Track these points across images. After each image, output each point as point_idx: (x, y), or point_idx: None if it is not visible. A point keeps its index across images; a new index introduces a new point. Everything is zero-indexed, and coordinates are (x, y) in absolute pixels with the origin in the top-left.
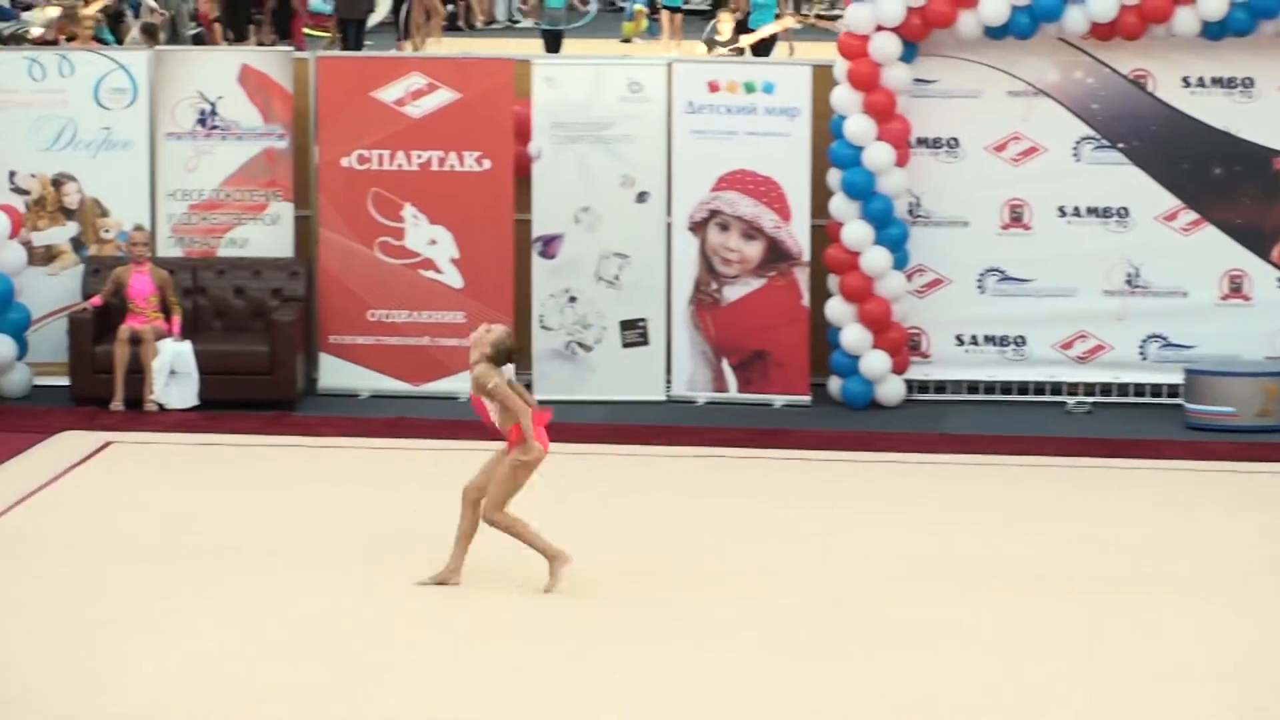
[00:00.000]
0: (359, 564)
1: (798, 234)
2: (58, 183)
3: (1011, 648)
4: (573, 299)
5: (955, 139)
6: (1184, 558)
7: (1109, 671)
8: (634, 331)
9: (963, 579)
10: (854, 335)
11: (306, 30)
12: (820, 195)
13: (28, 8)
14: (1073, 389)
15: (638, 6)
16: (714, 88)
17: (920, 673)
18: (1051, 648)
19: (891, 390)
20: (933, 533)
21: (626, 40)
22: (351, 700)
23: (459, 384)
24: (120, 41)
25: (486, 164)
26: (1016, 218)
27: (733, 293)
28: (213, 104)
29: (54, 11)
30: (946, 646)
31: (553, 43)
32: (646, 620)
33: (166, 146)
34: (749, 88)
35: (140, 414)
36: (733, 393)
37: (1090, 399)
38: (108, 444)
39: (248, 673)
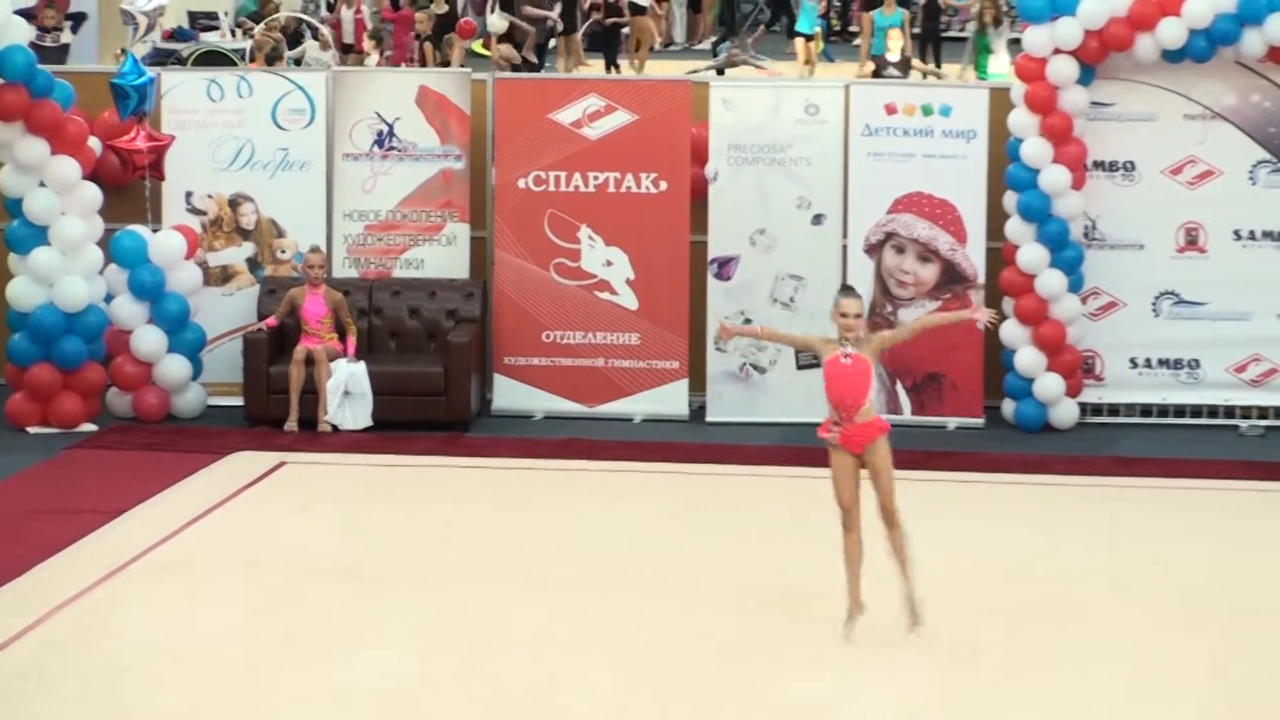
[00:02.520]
0: (532, 585)
1: (973, 256)
2: (234, 203)
3: (1179, 681)
4: (748, 321)
5: (1131, 162)
6: None
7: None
8: (809, 354)
9: (1136, 603)
10: (1028, 358)
11: (480, 50)
12: (996, 218)
13: (207, 29)
14: (1246, 412)
15: (816, 29)
16: (891, 110)
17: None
18: (1230, 683)
19: (1065, 413)
20: (1105, 556)
21: (808, 63)
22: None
23: (633, 405)
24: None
25: (663, 186)
26: (1192, 241)
27: (908, 315)
28: (390, 125)
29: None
30: (1126, 675)
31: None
32: (803, 642)
33: (343, 167)
34: (926, 110)
35: (314, 435)
36: (906, 415)
37: (1264, 422)
38: (281, 464)
39: (420, 695)
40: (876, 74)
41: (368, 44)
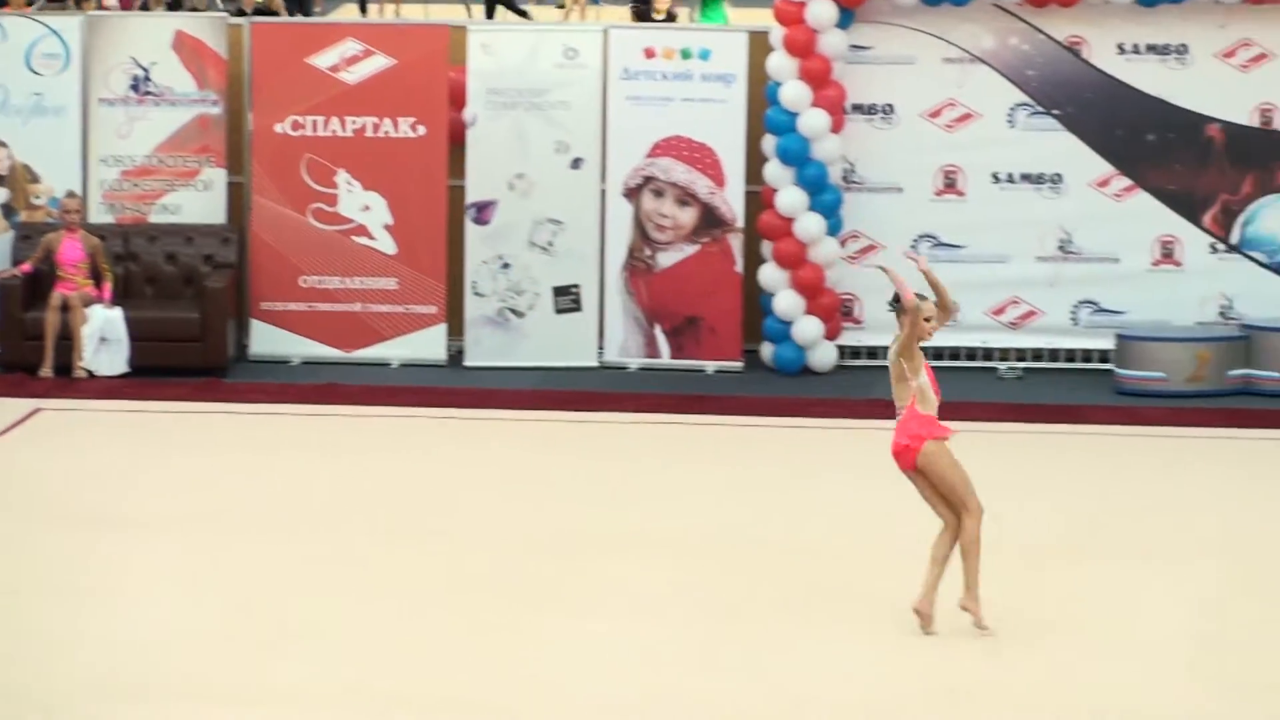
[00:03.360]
0: (290, 530)
1: (732, 200)
2: None
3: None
4: (506, 265)
5: (890, 105)
6: (1113, 523)
7: (1047, 638)
8: (567, 298)
9: (888, 543)
10: (787, 301)
11: None
12: (755, 161)
13: None
14: (1004, 354)
15: None
16: (650, 54)
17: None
18: (989, 614)
19: (823, 356)
20: (861, 498)
21: (562, 6)
22: (285, 666)
23: (390, 350)
24: None
25: (421, 130)
26: (950, 184)
27: (666, 259)
28: (146, 70)
29: None
30: (857, 613)
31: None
32: (567, 589)
33: (99, 112)
34: (685, 54)
35: (70, 381)
36: (665, 359)
37: (1021, 364)
38: (36, 410)
39: (179, 641)
40: (641, 17)
41: None
